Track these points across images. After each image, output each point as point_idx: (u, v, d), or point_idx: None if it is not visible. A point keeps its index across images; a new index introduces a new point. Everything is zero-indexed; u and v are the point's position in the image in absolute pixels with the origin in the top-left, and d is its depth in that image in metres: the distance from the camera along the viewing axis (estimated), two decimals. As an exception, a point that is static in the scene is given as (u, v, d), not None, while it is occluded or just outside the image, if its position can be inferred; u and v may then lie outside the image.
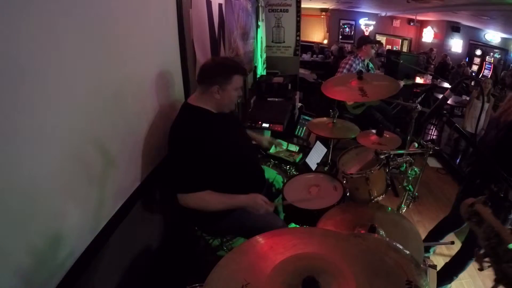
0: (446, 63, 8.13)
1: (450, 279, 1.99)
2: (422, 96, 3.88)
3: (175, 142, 1.39)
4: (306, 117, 3.24)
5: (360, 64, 3.28)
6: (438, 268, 1.91)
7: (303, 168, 2.47)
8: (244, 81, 1.71)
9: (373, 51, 3.33)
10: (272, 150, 2.55)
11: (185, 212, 1.43)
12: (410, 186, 1.72)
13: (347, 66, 3.25)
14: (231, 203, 1.43)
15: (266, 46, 4.81)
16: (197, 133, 1.36)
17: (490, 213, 0.81)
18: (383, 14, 10.57)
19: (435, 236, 2.14)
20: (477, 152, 1.78)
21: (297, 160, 2.48)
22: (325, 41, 11.23)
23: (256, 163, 1.68)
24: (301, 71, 5.86)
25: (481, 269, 0.78)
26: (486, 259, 0.76)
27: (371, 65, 3.48)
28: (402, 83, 3.40)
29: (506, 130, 1.57)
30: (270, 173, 1.94)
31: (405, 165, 1.68)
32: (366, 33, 10.81)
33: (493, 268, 0.73)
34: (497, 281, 0.72)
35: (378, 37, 11.05)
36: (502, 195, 1.54)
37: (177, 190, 1.37)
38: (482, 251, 0.78)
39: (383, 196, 1.70)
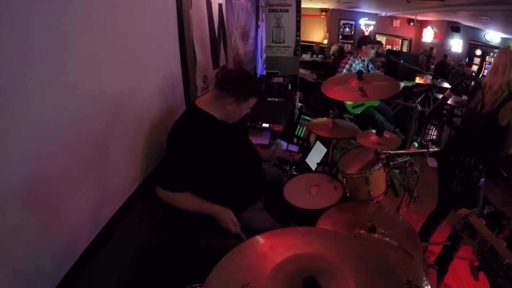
0: (446, 63, 8.12)
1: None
2: (422, 96, 3.89)
3: (174, 140, 1.39)
4: (306, 117, 3.24)
5: (360, 64, 3.28)
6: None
7: (303, 168, 2.47)
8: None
9: (373, 52, 3.32)
10: None
11: (185, 212, 1.43)
12: (411, 185, 1.73)
13: (347, 66, 3.25)
14: (202, 208, 1.41)
15: (266, 46, 4.80)
16: (198, 137, 1.36)
17: (484, 225, 0.78)
18: (383, 14, 10.56)
19: (426, 228, 2.16)
20: (456, 133, 1.89)
21: (297, 160, 2.48)
22: (325, 41, 11.22)
23: (256, 168, 1.68)
24: (301, 71, 5.86)
25: (476, 279, 0.75)
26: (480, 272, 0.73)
27: (371, 65, 3.48)
28: (402, 84, 3.41)
29: (485, 120, 1.65)
30: None
31: (406, 165, 1.69)
32: (366, 33, 10.80)
33: (488, 282, 0.71)
34: None
35: (378, 37, 11.02)
36: (472, 165, 1.72)
37: (159, 182, 1.38)
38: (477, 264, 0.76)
39: (383, 196, 1.70)
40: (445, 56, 8.53)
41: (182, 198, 1.39)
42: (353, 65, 3.25)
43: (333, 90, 1.79)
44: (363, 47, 3.28)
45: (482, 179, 1.78)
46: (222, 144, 1.42)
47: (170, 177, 1.38)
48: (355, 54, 3.35)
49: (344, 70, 3.24)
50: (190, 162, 1.35)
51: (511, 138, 1.59)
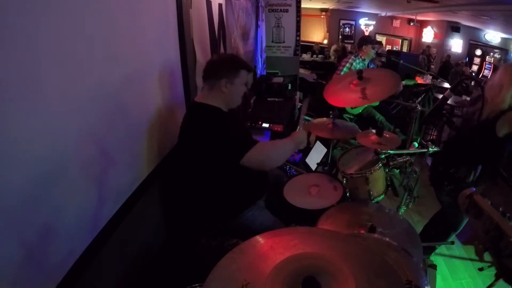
0: (449, 64, 8.13)
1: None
2: (422, 96, 3.88)
3: (202, 136, 1.36)
4: (306, 117, 3.24)
5: (361, 64, 3.28)
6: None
7: (303, 168, 2.47)
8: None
9: (373, 52, 3.33)
10: None
11: (185, 212, 1.43)
12: (411, 184, 1.73)
13: (347, 65, 3.26)
14: (288, 148, 1.46)
15: (266, 46, 4.81)
16: (215, 124, 1.37)
17: (489, 204, 0.76)
18: (383, 14, 10.56)
19: (429, 229, 2.15)
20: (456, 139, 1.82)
21: (297, 160, 2.48)
22: (325, 41, 11.23)
23: None
24: (301, 71, 5.86)
25: (481, 269, 0.75)
26: (486, 252, 0.72)
27: (372, 65, 3.48)
28: (403, 83, 3.41)
29: (482, 129, 1.60)
30: None
31: (406, 165, 1.69)
32: (366, 33, 10.80)
33: (493, 262, 0.70)
34: (497, 276, 0.69)
35: (378, 37, 11.02)
36: (458, 176, 1.67)
37: (238, 158, 1.34)
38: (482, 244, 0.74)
39: (383, 196, 1.70)
40: (449, 56, 8.54)
41: (261, 149, 1.38)
42: (354, 64, 3.26)
43: (335, 96, 1.79)
44: (364, 47, 3.29)
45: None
46: (230, 132, 1.42)
47: (235, 146, 1.35)
48: (356, 54, 3.36)
49: (345, 69, 3.25)
50: (229, 134, 1.36)
51: None
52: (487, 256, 2.15)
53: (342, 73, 3.22)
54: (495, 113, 1.56)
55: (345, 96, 1.79)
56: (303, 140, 1.51)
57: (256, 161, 1.36)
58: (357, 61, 3.29)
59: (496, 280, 0.70)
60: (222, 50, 2.50)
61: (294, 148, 1.49)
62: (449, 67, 7.99)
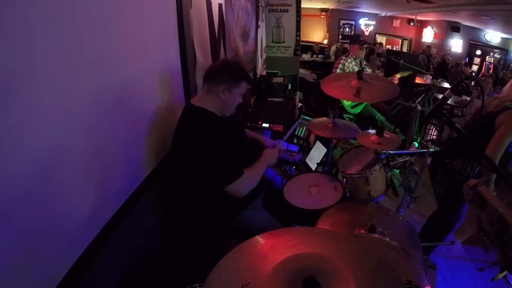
0: (445, 63, 8.13)
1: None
2: (422, 96, 3.89)
3: (195, 145, 1.37)
4: (306, 117, 3.25)
5: (353, 63, 3.29)
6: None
7: (303, 168, 2.47)
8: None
9: (362, 52, 3.35)
10: None
11: (185, 212, 1.42)
12: (411, 185, 1.72)
13: (340, 66, 3.28)
14: (262, 171, 1.53)
15: (266, 46, 4.81)
16: (210, 131, 1.37)
17: (494, 195, 0.74)
18: (383, 14, 10.57)
19: (425, 231, 2.15)
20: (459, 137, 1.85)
21: (297, 160, 2.48)
22: (325, 41, 11.23)
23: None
24: (301, 71, 5.86)
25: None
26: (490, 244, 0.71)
27: (365, 62, 3.49)
28: (397, 76, 3.42)
29: (484, 120, 1.66)
30: None
31: (406, 165, 1.69)
32: (366, 33, 10.82)
33: (498, 254, 0.69)
34: (502, 268, 0.68)
35: (378, 37, 11.05)
36: (452, 167, 1.70)
37: (222, 184, 1.37)
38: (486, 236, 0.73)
39: (383, 196, 1.70)
40: (444, 55, 8.55)
41: (246, 179, 1.41)
42: (346, 64, 3.28)
43: (331, 87, 1.80)
44: (351, 46, 3.34)
45: None
46: (226, 138, 1.43)
47: (222, 172, 1.37)
48: (347, 53, 3.38)
49: (338, 70, 3.26)
50: (222, 150, 1.37)
51: (492, 141, 1.56)
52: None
53: None
54: (499, 108, 1.62)
55: (341, 89, 1.81)
56: (274, 159, 1.62)
57: (233, 193, 1.41)
58: (349, 60, 3.30)
59: (501, 272, 0.69)
60: (222, 50, 2.51)
61: (264, 169, 1.55)
62: (445, 66, 7.99)
